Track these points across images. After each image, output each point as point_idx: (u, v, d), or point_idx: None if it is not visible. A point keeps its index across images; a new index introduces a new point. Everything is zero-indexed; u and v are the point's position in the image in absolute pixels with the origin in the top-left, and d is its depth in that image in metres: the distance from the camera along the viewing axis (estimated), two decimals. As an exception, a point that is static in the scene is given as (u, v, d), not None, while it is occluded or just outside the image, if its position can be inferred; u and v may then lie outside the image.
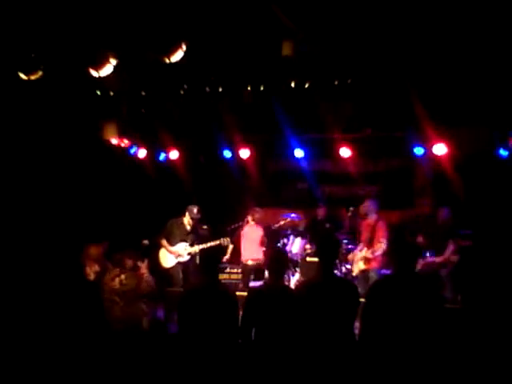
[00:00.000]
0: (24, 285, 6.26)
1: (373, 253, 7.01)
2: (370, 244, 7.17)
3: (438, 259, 7.00)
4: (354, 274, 7.39)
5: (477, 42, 5.62)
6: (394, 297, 3.95)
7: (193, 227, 7.79)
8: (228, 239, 7.73)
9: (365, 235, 7.27)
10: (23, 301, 5.88)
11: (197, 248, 7.65)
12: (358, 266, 7.22)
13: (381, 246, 6.94)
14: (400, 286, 3.97)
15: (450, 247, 6.99)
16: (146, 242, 7.43)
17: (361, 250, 7.26)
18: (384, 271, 7.74)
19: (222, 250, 7.96)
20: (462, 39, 5.61)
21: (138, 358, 5.03)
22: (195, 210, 7.73)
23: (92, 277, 6.38)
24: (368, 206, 7.34)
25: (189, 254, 7.67)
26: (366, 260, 7.15)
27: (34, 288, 6.13)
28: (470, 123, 7.53)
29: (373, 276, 7.03)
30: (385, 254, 7.02)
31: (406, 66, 6.32)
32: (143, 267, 6.15)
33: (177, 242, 7.68)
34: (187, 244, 7.68)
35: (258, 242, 7.92)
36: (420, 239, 7.04)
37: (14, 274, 6.52)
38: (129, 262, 6.15)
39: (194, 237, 7.79)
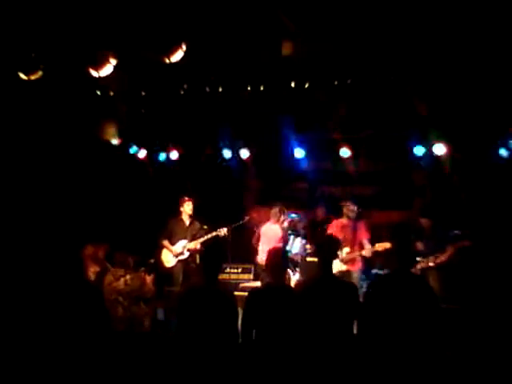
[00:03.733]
0: (25, 285, 6.27)
1: (364, 254, 7.09)
2: (352, 244, 7.20)
3: (428, 264, 6.88)
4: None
5: (477, 42, 5.62)
6: (393, 296, 3.95)
7: (191, 221, 7.83)
8: (225, 229, 7.75)
9: (342, 235, 7.13)
10: (24, 301, 5.88)
11: (195, 243, 7.68)
12: (337, 267, 7.01)
13: (370, 249, 7.05)
14: (399, 286, 3.98)
15: (448, 251, 6.84)
16: (152, 260, 7.48)
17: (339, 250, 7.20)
18: (376, 271, 7.75)
19: (223, 249, 7.96)
20: (462, 39, 5.61)
21: (139, 357, 5.03)
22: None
23: (92, 277, 6.39)
24: (355, 210, 7.35)
25: (188, 250, 7.70)
26: (349, 261, 7.18)
27: (34, 289, 6.13)
28: (471, 123, 7.52)
29: (355, 277, 7.10)
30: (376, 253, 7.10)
31: (406, 65, 6.32)
32: (149, 280, 6.19)
33: (178, 240, 7.73)
34: (186, 241, 7.72)
35: (277, 241, 7.78)
36: (419, 244, 6.98)
37: (14, 275, 6.52)
38: (130, 261, 6.17)
39: (194, 232, 7.80)
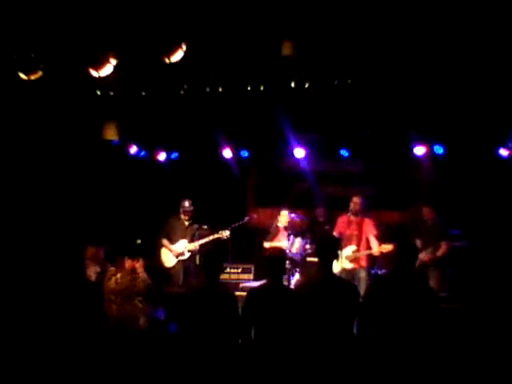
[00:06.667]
0: (25, 286, 6.28)
1: (373, 253, 6.98)
2: (358, 242, 7.10)
3: (425, 257, 6.91)
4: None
5: (476, 41, 5.62)
6: (393, 297, 3.95)
7: (190, 222, 7.80)
8: (227, 232, 7.71)
9: (348, 232, 7.15)
10: (23, 302, 5.89)
11: (196, 244, 7.65)
12: (342, 265, 7.00)
13: (378, 248, 6.92)
14: (399, 286, 3.98)
15: (443, 247, 6.93)
16: (138, 241, 7.47)
17: (344, 248, 7.04)
18: (376, 270, 7.70)
19: (224, 250, 7.96)
20: (462, 38, 5.62)
21: (136, 357, 5.04)
22: (187, 203, 7.77)
23: (93, 278, 6.40)
24: (360, 203, 7.28)
25: (189, 251, 7.67)
26: (354, 259, 7.08)
27: (34, 289, 6.14)
28: (470, 123, 7.52)
29: (363, 276, 6.98)
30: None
31: (406, 65, 6.32)
32: (138, 266, 6.18)
33: (177, 240, 7.69)
34: (186, 241, 7.69)
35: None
36: (418, 242, 6.95)
37: (15, 275, 6.53)
38: (128, 263, 6.18)
39: (193, 232, 7.78)
